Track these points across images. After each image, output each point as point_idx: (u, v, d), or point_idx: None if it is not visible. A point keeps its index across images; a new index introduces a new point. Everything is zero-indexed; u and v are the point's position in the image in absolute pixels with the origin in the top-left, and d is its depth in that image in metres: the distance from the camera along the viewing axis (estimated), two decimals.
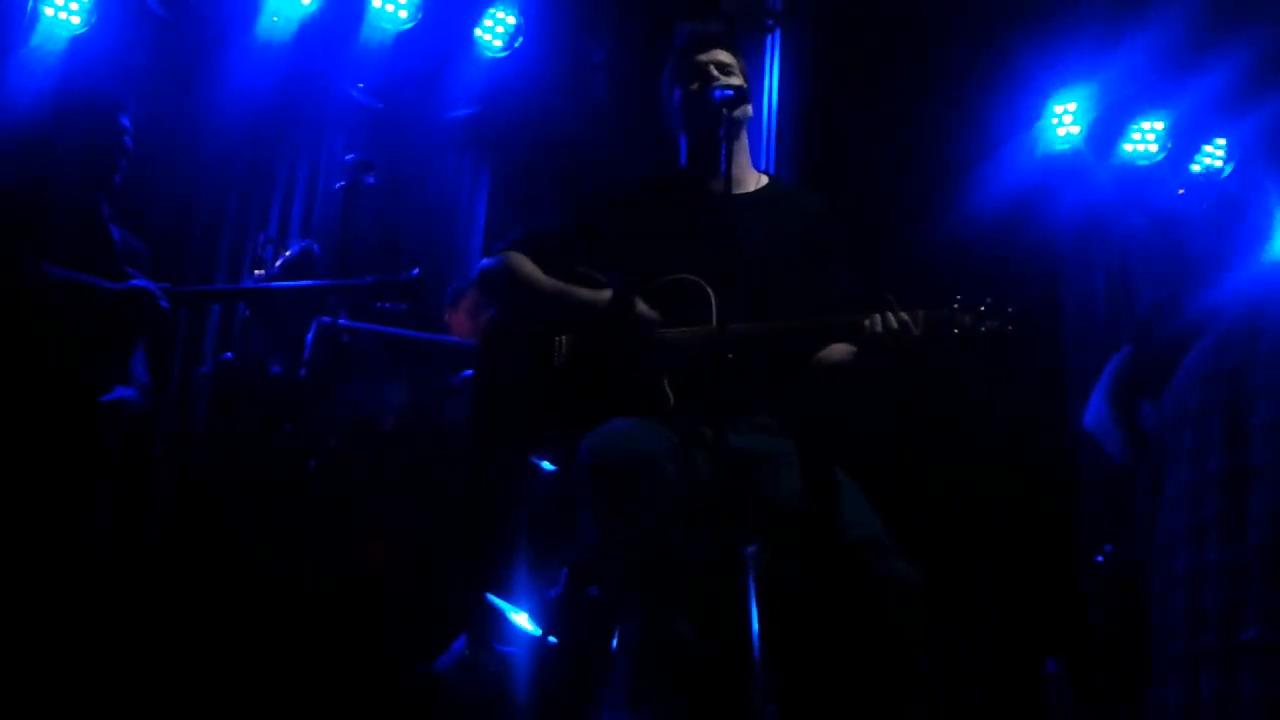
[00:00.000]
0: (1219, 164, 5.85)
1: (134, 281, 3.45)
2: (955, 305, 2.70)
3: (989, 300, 2.68)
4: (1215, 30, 5.17)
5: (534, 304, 3.00)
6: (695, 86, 3.03)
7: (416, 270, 3.80)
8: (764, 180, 3.18)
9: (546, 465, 3.60)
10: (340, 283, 3.91)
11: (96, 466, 3.54)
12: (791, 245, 3.00)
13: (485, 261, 3.13)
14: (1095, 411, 3.38)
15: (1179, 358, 2.60)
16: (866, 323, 2.68)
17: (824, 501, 2.73)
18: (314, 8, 5.06)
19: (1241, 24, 5.15)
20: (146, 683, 3.66)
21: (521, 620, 3.72)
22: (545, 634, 3.65)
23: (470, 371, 4.13)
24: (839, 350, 2.86)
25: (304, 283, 3.88)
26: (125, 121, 3.69)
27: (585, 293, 2.95)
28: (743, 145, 3.11)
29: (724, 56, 3.07)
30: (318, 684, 3.74)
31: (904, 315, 2.67)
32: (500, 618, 3.77)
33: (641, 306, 2.85)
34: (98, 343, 3.47)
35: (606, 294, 2.91)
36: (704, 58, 3.06)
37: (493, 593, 3.82)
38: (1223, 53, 5.23)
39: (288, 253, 4.22)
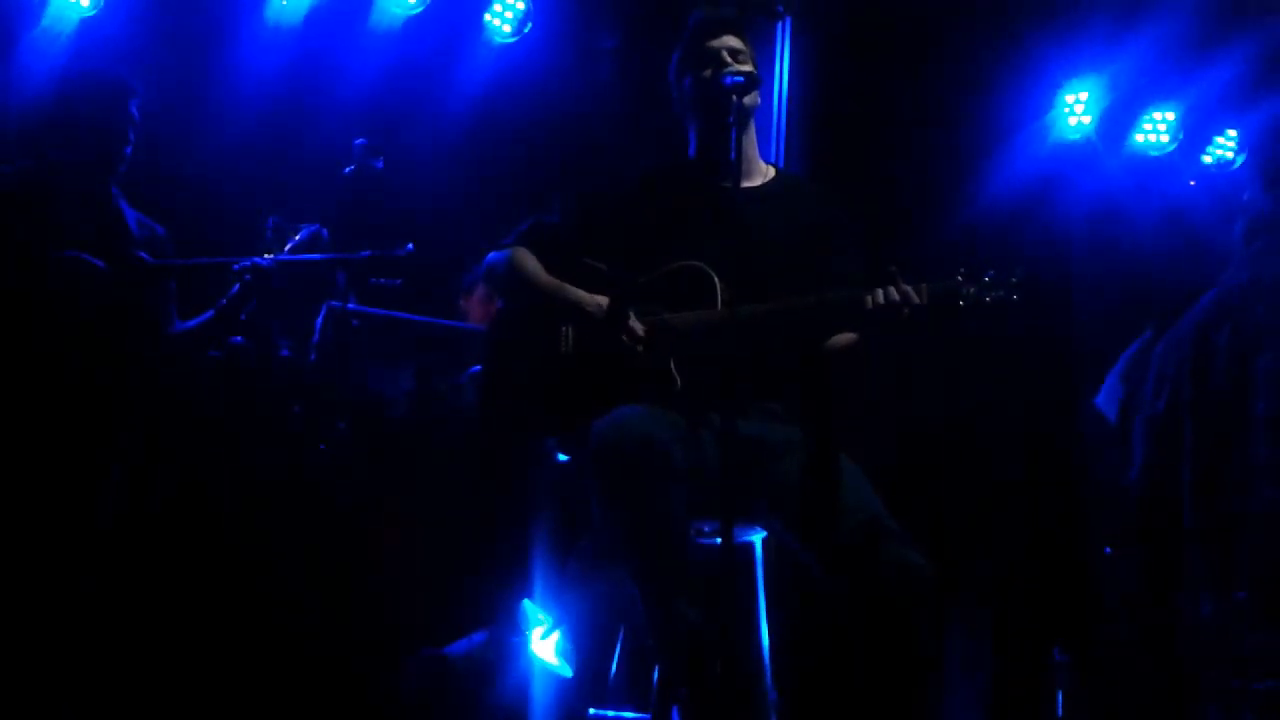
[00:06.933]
0: (1230, 155, 5.83)
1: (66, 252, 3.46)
2: (959, 277, 2.68)
3: (993, 270, 2.65)
4: (1227, 21, 5.15)
5: (534, 304, 2.99)
6: (707, 73, 3.00)
7: (410, 246, 3.80)
8: (771, 173, 3.15)
9: (555, 451, 3.59)
10: (333, 257, 3.90)
11: (107, 450, 3.55)
12: (799, 239, 2.99)
13: (490, 256, 3.12)
14: (1107, 392, 3.38)
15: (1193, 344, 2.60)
16: (869, 297, 2.67)
17: (828, 487, 2.72)
18: None
19: (1253, 15, 5.13)
20: (151, 664, 3.67)
21: (531, 610, 3.72)
22: (553, 621, 3.65)
23: (478, 366, 4.13)
24: (845, 338, 2.85)
25: (298, 256, 3.86)
26: (133, 108, 3.69)
27: (581, 298, 2.92)
28: (750, 135, 3.09)
29: (734, 42, 3.05)
30: (321, 666, 3.75)
31: (907, 288, 2.65)
32: (510, 607, 3.77)
33: (632, 320, 2.83)
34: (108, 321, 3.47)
35: (602, 302, 2.89)
36: (715, 44, 3.03)
37: (503, 580, 3.82)
38: (1235, 44, 5.21)
39: (297, 236, 4.21)
